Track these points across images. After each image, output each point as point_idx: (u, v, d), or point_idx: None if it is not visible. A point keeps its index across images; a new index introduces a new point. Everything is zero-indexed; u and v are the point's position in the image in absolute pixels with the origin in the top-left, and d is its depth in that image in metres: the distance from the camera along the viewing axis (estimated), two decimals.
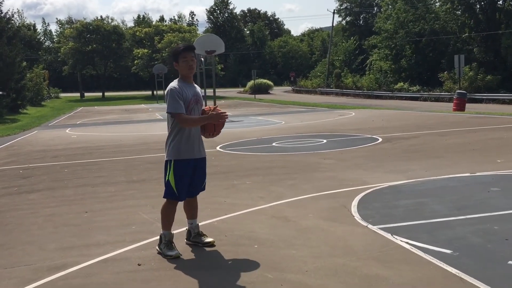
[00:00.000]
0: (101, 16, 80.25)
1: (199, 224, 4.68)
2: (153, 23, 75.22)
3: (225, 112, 4.26)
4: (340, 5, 68.55)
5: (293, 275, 3.76)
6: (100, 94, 62.97)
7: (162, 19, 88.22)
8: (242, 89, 61.76)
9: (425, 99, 32.12)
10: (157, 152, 11.11)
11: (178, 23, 77.66)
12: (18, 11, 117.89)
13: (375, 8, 64.85)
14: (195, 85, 4.49)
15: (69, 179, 8.41)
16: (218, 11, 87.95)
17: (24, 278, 3.97)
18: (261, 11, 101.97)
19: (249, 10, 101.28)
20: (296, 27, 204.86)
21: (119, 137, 15.67)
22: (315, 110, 25.48)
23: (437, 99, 31.14)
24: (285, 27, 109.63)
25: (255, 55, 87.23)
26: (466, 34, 35.62)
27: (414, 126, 14.86)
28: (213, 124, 4.28)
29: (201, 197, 4.55)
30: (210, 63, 24.12)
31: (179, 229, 4.84)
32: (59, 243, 4.83)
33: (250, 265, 4.02)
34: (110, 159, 10.70)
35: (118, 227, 5.28)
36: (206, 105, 4.69)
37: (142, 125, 20.13)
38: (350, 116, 20.07)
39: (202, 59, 21.82)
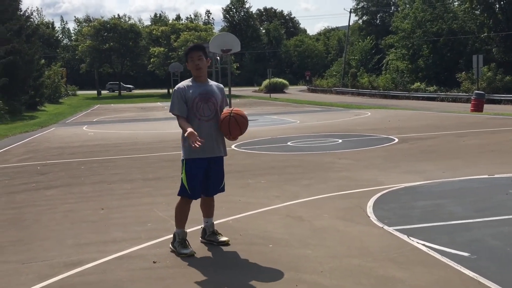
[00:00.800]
0: (118, 15, 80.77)
1: (214, 222, 4.69)
2: (170, 21, 75.58)
3: (198, 141, 3.94)
4: (357, 4, 68.27)
5: (308, 275, 3.75)
6: (117, 92, 63.54)
7: (178, 17, 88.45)
8: (257, 88, 61.66)
9: (442, 100, 31.79)
10: (172, 150, 11.16)
11: (194, 22, 77.83)
12: (37, 9, 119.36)
13: (392, 7, 64.42)
14: (212, 83, 4.46)
15: (86, 176, 8.50)
16: (234, 10, 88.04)
17: (41, 273, 4.02)
18: (277, 10, 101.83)
19: (265, 9, 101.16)
20: (312, 26, 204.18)
21: (135, 134, 15.79)
22: (330, 110, 25.37)
23: (454, 100, 30.79)
24: (301, 26, 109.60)
25: (271, 54, 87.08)
26: (485, 34, 35.13)
27: (431, 126, 14.69)
28: (228, 127, 4.25)
29: (216, 195, 4.56)
30: (225, 62, 24.15)
31: (195, 227, 4.86)
32: (76, 239, 4.89)
33: (265, 264, 4.02)
34: (127, 156, 10.78)
35: (134, 224, 5.32)
36: (230, 105, 4.62)
37: (158, 123, 20.22)
38: (366, 116, 19.92)
39: (218, 58, 21.80)
